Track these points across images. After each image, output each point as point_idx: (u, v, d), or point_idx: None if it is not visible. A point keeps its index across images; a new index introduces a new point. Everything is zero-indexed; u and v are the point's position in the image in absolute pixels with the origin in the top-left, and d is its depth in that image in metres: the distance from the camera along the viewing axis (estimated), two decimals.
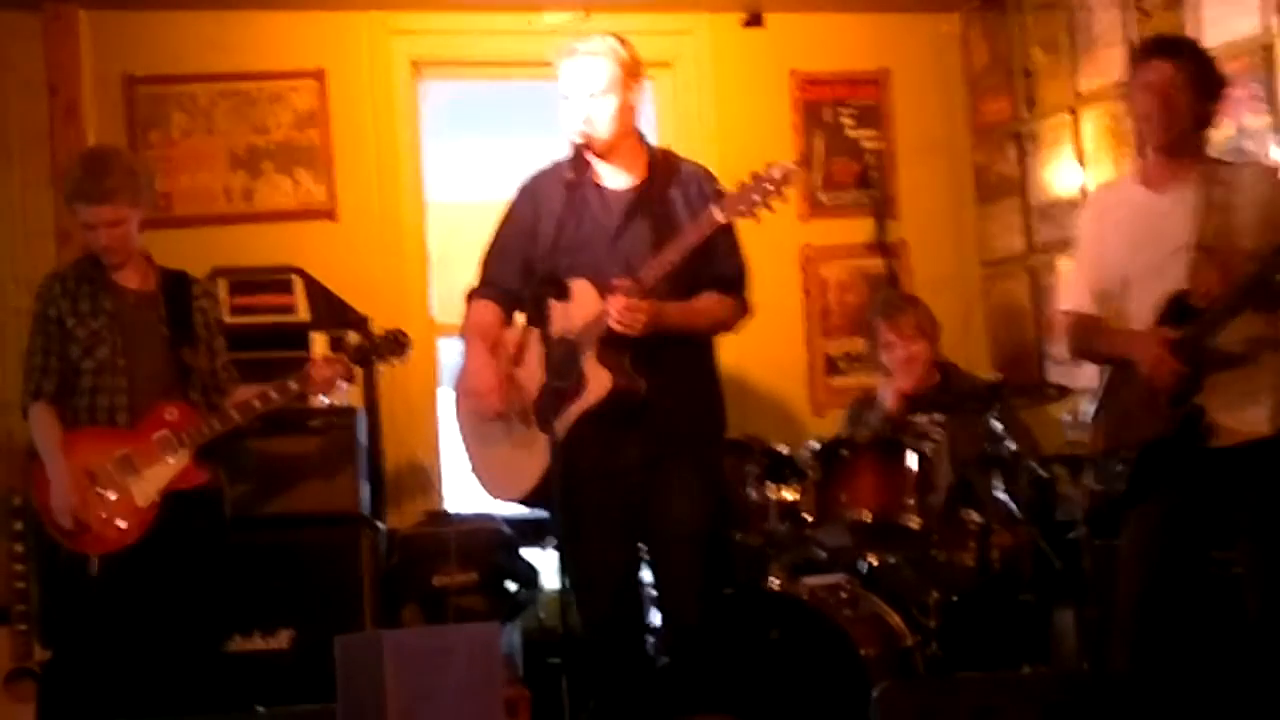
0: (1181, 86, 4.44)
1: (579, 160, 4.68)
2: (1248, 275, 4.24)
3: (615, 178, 4.79)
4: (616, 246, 4.72)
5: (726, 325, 4.88)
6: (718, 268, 4.76)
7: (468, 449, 5.01)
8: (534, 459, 4.61)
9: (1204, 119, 4.53)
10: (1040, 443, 5.90)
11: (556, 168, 4.82)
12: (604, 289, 4.61)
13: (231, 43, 6.67)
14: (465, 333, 4.98)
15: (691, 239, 4.56)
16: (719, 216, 4.54)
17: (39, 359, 4.99)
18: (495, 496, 5.03)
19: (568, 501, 4.39)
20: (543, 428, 4.51)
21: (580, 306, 4.60)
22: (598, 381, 4.62)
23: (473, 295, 4.97)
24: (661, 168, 4.84)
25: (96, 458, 4.91)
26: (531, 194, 4.89)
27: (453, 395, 5.06)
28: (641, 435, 4.70)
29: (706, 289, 4.75)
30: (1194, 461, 4.35)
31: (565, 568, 4.37)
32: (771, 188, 4.49)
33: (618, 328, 4.54)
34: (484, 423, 4.85)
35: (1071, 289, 4.78)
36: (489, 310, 4.92)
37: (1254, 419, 4.32)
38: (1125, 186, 4.72)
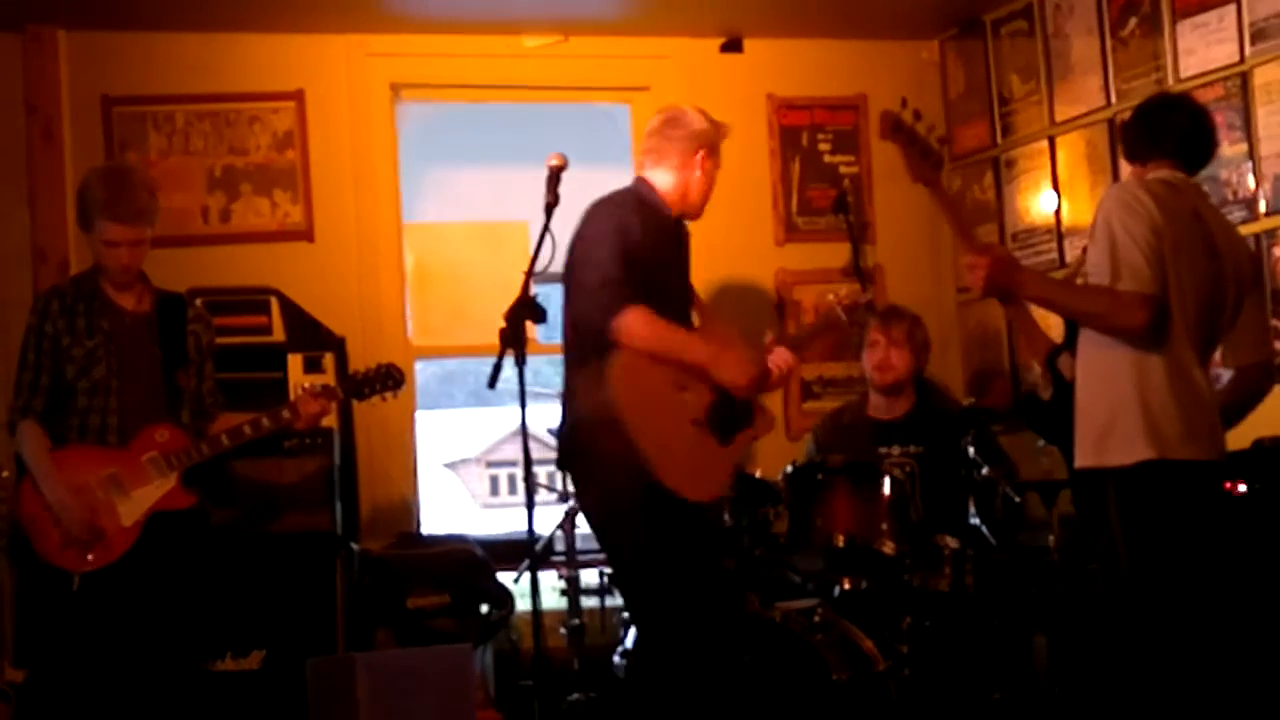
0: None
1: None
2: None
3: None
4: (678, 276, 5.09)
5: None
6: None
7: (659, 449, 4.70)
8: (722, 461, 4.96)
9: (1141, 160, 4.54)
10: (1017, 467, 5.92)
11: (645, 198, 5.05)
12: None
13: (210, 64, 6.66)
14: (663, 333, 4.77)
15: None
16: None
17: (30, 375, 4.94)
18: (693, 497, 4.82)
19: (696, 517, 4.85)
20: (723, 440, 4.89)
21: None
22: (766, 419, 5.09)
23: (626, 301, 4.69)
24: None
25: (84, 476, 4.87)
26: (640, 219, 4.93)
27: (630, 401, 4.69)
28: None
29: None
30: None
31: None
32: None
33: (775, 373, 5.05)
34: (683, 423, 4.82)
35: None
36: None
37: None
38: None
